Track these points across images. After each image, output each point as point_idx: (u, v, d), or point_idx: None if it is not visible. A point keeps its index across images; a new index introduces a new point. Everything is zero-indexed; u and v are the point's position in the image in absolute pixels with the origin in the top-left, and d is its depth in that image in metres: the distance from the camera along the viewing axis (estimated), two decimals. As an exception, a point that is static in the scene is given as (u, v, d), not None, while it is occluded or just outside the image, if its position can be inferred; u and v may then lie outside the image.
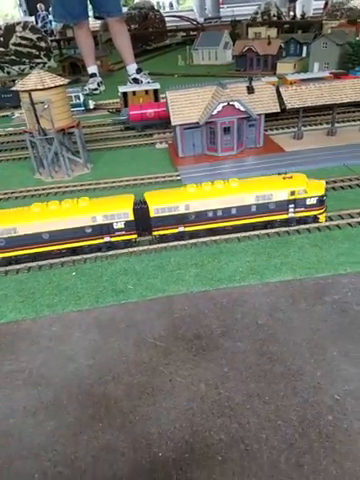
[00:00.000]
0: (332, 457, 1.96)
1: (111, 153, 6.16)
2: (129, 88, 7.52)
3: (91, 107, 8.15)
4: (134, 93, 7.39)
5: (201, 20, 23.00)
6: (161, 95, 7.21)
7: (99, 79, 9.92)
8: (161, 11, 22.12)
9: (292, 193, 3.61)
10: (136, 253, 3.67)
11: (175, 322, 2.87)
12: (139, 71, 9.72)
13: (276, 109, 5.41)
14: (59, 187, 5.08)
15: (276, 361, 2.48)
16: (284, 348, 2.56)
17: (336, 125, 5.85)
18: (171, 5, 34.08)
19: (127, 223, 3.62)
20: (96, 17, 10.23)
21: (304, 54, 11.12)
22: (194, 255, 3.58)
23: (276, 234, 3.71)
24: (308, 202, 3.64)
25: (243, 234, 3.73)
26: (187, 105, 5.37)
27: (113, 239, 3.68)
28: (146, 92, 7.44)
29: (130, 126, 6.83)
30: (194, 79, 9.30)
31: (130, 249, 3.70)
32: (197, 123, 5.31)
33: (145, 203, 3.63)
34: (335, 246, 3.46)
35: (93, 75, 9.88)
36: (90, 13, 9.77)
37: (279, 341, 2.61)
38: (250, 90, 5.41)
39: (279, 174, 3.78)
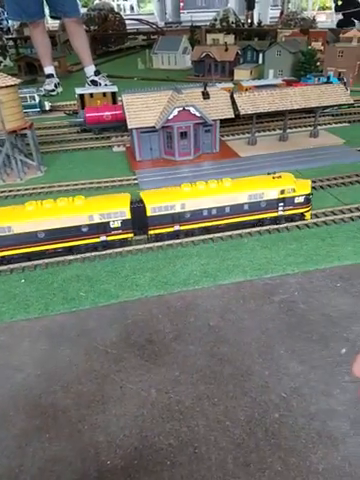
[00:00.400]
0: (277, 454, 2.00)
1: (67, 155, 6.04)
2: (86, 90, 7.41)
3: (47, 108, 7.96)
4: (91, 95, 7.29)
5: (162, 24, 23.13)
6: (119, 98, 7.15)
7: (56, 80, 9.71)
8: (121, 14, 22.01)
9: (282, 192, 3.74)
10: (89, 259, 3.60)
11: (128, 328, 2.84)
12: (98, 73, 9.61)
13: (230, 115, 5.50)
14: (10, 190, 4.91)
15: (226, 362, 2.50)
16: (234, 349, 2.59)
17: (288, 131, 6.03)
18: (132, 8, 34.04)
19: (124, 222, 3.59)
20: (52, 17, 10.02)
21: (260, 61, 11.41)
22: (149, 260, 3.57)
23: (229, 237, 3.77)
24: (296, 200, 3.79)
25: (198, 238, 3.76)
26: (143, 109, 5.36)
27: (109, 238, 3.64)
28: (104, 94, 7.36)
29: (87, 128, 6.73)
30: (153, 83, 9.28)
31: (82, 255, 3.62)
32: (153, 127, 5.31)
33: (141, 202, 3.63)
34: (284, 247, 3.56)
35: (50, 76, 9.66)
36: (47, 12, 9.56)
37: (229, 342, 2.65)
38: (205, 96, 5.48)
39: (268, 174, 3.89)
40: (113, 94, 7.36)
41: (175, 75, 10.97)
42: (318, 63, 8.89)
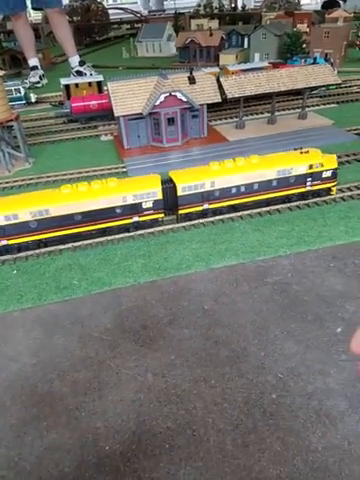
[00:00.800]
0: (276, 434, 1.98)
1: (54, 146, 5.92)
2: (71, 80, 7.25)
3: (33, 100, 7.79)
4: (77, 85, 7.13)
5: (145, 13, 22.72)
6: (104, 87, 7.01)
7: (41, 72, 9.50)
8: (104, 3, 21.58)
9: (310, 167, 3.74)
10: (81, 247, 3.54)
11: (122, 314, 2.80)
12: (82, 63, 9.41)
13: (217, 99, 5.41)
14: (-1, 183, 4.82)
15: (221, 344, 2.48)
16: (229, 331, 2.56)
17: (276, 113, 5.96)
18: (115, -3, 33.29)
19: (156, 202, 3.61)
20: (34, 8, 9.78)
21: (246, 45, 11.26)
22: (141, 246, 3.52)
23: (221, 221, 3.72)
24: (324, 175, 3.80)
25: (189, 223, 3.71)
26: (129, 96, 5.25)
27: (141, 219, 3.66)
28: (89, 84, 7.20)
29: (73, 118, 6.60)
30: (139, 71, 9.12)
31: (74, 244, 3.56)
32: (141, 114, 5.21)
33: (172, 182, 3.62)
34: (275, 229, 3.53)
35: (34, 68, 9.46)
36: (29, 4, 9.31)
37: (224, 325, 2.62)
38: (191, 80, 5.38)
39: (295, 149, 3.88)
40: (99, 83, 7.21)
41: (161, 62, 10.80)
42: (304, 45, 8.79)
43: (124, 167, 5.05)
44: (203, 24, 12.04)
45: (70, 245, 3.55)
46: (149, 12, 23.98)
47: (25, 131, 5.93)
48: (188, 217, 3.73)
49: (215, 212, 3.76)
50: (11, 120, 4.93)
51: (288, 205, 3.83)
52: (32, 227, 3.41)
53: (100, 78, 7.29)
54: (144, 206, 3.59)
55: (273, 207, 3.80)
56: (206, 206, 3.69)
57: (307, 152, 3.76)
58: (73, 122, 6.63)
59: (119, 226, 3.63)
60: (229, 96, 5.23)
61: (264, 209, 3.78)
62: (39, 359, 2.52)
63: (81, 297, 3.00)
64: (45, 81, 9.52)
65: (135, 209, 3.58)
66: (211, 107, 5.91)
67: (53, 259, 3.44)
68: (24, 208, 3.36)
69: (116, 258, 3.38)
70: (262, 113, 6.42)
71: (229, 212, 3.78)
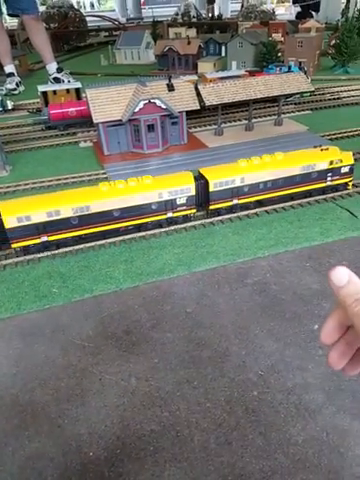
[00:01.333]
0: (258, 430, 2.03)
1: (32, 154, 5.89)
2: (49, 87, 7.24)
3: (10, 107, 7.73)
4: (55, 92, 7.13)
5: (123, 20, 22.85)
6: (83, 94, 7.03)
7: (18, 79, 9.42)
8: (82, 11, 21.62)
9: (330, 163, 3.92)
10: (60, 255, 3.53)
11: (104, 321, 2.81)
12: (60, 70, 9.39)
13: (196, 106, 5.50)
14: (-24, 191, 4.75)
15: (204, 346, 2.52)
16: (211, 332, 2.61)
17: (253, 120, 6.10)
18: (92, 5, 33.41)
19: (189, 198, 3.71)
20: (10, 15, 9.70)
21: (223, 53, 11.45)
22: (123, 252, 3.53)
23: (202, 226, 3.78)
24: (342, 170, 3.98)
25: (171, 228, 3.75)
26: (108, 102, 5.29)
27: (175, 214, 3.75)
28: (67, 91, 7.21)
29: (52, 125, 6.58)
30: (118, 78, 9.14)
31: (54, 252, 3.55)
32: (120, 120, 5.25)
33: (203, 178, 3.73)
34: (254, 232, 3.61)
35: (10, 75, 9.37)
36: (4, 10, 9.24)
37: (206, 326, 2.66)
38: (170, 88, 5.45)
39: (315, 147, 4.07)
40: (77, 90, 7.23)
41: (139, 70, 10.86)
42: (279, 53, 9.02)
43: (104, 173, 5.07)
44: (181, 32, 12.19)
45: (49, 253, 3.54)
46: (127, 20, 24.11)
47: (2, 139, 5.89)
48: (217, 212, 3.89)
49: (242, 207, 3.92)
50: (-12, 128, 4.89)
51: (265, 208, 3.92)
52: (73, 223, 3.50)
53: (78, 85, 7.31)
54: (178, 202, 3.71)
55: (251, 211, 3.89)
56: (235, 201, 3.85)
57: (327, 149, 3.97)
58: (51, 129, 6.61)
59: (154, 222, 3.75)
60: (207, 103, 5.33)
61: (242, 213, 3.87)
62: (19, 369, 2.50)
63: (62, 305, 2.99)
64: (22, 88, 9.44)
65: (170, 205, 3.70)
66: (190, 114, 6.00)
67: (32, 267, 3.42)
68: (66, 205, 3.44)
69: (97, 265, 3.39)
70: (240, 120, 6.55)
71: (255, 207, 3.97)
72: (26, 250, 3.53)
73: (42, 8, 18.17)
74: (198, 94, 5.53)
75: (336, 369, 0.88)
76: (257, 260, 3.26)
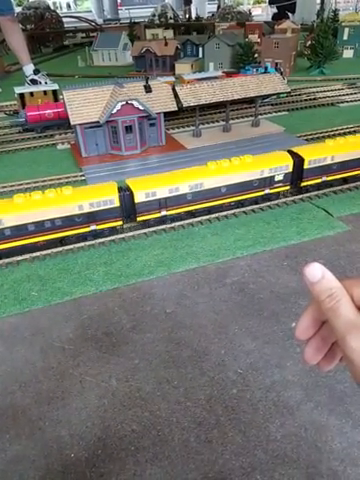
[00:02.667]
0: (237, 428, 2.07)
1: (9, 156, 5.82)
2: (26, 89, 7.16)
3: (-15, 110, 7.60)
4: (32, 94, 7.06)
5: (100, 21, 22.72)
6: (60, 96, 6.98)
7: (-7, 80, 9.27)
8: (58, 12, 21.40)
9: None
10: (39, 258, 3.51)
11: (84, 323, 2.81)
12: (37, 72, 9.28)
13: (174, 107, 5.54)
14: None
15: (184, 345, 2.55)
16: (191, 332, 2.64)
17: (230, 122, 6.17)
18: (68, 6, 33.11)
19: (286, 175, 3.95)
20: None
21: (200, 55, 11.53)
22: (102, 254, 3.53)
23: (181, 227, 3.81)
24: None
25: (149, 229, 3.77)
26: (86, 104, 5.27)
27: (271, 191, 4.01)
28: (44, 93, 7.15)
29: (29, 128, 6.51)
30: (95, 80, 9.11)
31: (32, 254, 3.52)
32: (98, 122, 5.23)
33: (299, 156, 3.98)
34: (232, 233, 3.66)
35: (-14, 76, 9.21)
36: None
37: (186, 326, 2.69)
38: (147, 89, 5.47)
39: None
40: (54, 92, 7.18)
41: (117, 71, 10.83)
42: (256, 54, 9.14)
43: (83, 175, 5.05)
44: (158, 34, 12.23)
45: (28, 256, 3.51)
46: (104, 21, 24.01)
47: (-22, 141, 5.80)
48: (306, 189, 4.18)
49: (328, 184, 4.24)
50: None
51: (243, 209, 3.98)
52: (188, 199, 3.74)
53: (55, 87, 7.25)
54: (276, 179, 3.96)
55: (230, 211, 3.94)
56: (324, 178, 4.16)
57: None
58: (29, 131, 6.54)
59: (252, 198, 4.00)
60: (185, 105, 5.36)
61: (221, 214, 3.91)
62: (-1, 372, 2.49)
63: (41, 308, 2.97)
64: (-1, 90, 9.31)
65: (268, 182, 3.96)
66: (168, 115, 6.02)
67: (11, 271, 3.39)
68: (184, 182, 3.68)
69: (76, 267, 3.38)
70: (217, 121, 6.62)
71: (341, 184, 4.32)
72: (146, 224, 3.80)
73: (18, 9, 17.92)
74: (176, 95, 5.56)
75: (311, 364, 0.90)
76: (236, 260, 3.31)
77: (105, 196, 3.56)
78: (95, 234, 3.67)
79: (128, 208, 3.69)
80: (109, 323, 2.79)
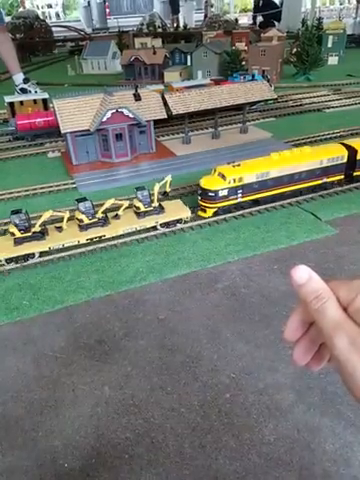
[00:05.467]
0: (231, 432, 2.06)
1: None
2: (16, 98, 7.14)
3: (-25, 119, 7.55)
4: (21, 103, 7.04)
5: (89, 30, 22.79)
6: (50, 104, 6.96)
7: (-18, 90, 9.21)
8: (47, 21, 21.43)
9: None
10: (30, 266, 3.47)
11: (76, 331, 2.78)
12: (27, 81, 9.22)
13: (163, 115, 5.56)
14: None
15: (176, 351, 2.53)
16: (183, 338, 2.63)
17: (219, 128, 6.21)
18: (57, 15, 33.16)
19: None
20: None
21: (189, 63, 11.61)
22: (94, 261, 3.51)
23: (172, 233, 3.81)
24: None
25: (141, 236, 3.76)
26: (76, 113, 5.26)
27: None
28: (34, 102, 7.13)
29: (19, 136, 6.48)
30: (85, 88, 9.10)
31: (24, 263, 3.49)
32: (88, 130, 5.23)
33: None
34: (223, 237, 3.67)
35: (-25, 86, 9.15)
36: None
37: (178, 332, 2.68)
38: (137, 97, 5.48)
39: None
40: (44, 101, 7.16)
41: (107, 80, 10.85)
42: (243, 62, 9.23)
43: (74, 183, 5.03)
44: (147, 42, 12.28)
45: (19, 265, 3.48)
46: (93, 30, 24.09)
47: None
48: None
49: None
50: None
51: (233, 214, 3.99)
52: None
53: (45, 95, 7.24)
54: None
55: (220, 217, 3.95)
56: None
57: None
58: (19, 140, 6.51)
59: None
60: (174, 112, 5.39)
61: (212, 219, 3.92)
62: (-9, 383, 2.45)
63: (33, 317, 2.94)
64: (-12, 99, 9.24)
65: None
66: (158, 123, 6.04)
67: (1, 279, 3.35)
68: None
69: (68, 275, 3.35)
70: (206, 128, 6.66)
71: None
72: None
73: (8, 19, 17.86)
74: (165, 103, 5.58)
75: (301, 365, 0.91)
76: (227, 265, 3.32)
77: (338, 154, 4.16)
78: (325, 187, 4.25)
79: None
80: (102, 331, 2.76)
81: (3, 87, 10.72)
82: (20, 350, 2.66)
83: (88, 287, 3.19)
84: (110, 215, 3.82)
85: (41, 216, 3.60)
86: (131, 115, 5.21)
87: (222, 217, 3.96)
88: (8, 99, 6.97)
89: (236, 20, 17.87)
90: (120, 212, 3.81)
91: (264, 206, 4.08)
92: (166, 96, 5.57)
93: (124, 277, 3.27)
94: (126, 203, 3.81)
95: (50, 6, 33.10)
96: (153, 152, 5.81)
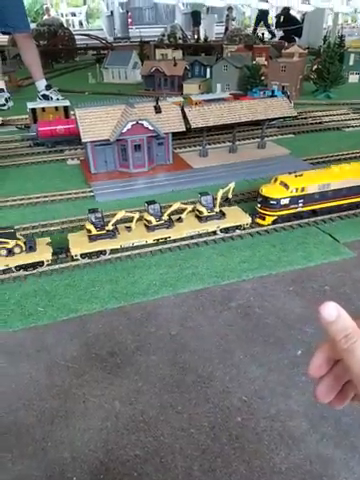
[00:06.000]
0: (242, 457, 2.03)
1: (19, 170, 5.85)
2: (38, 104, 7.25)
3: (-2, 123, 7.69)
4: (43, 109, 7.14)
5: (111, 39, 23.12)
6: (71, 112, 7.06)
7: (7, 95, 9.40)
8: (71, 29, 21.80)
9: None
10: (46, 273, 3.50)
11: (89, 341, 2.78)
12: (49, 87, 9.41)
13: (182, 128, 5.59)
14: None
15: (188, 370, 2.52)
16: (195, 356, 2.61)
17: (237, 143, 6.22)
18: (81, 23, 33.71)
19: None
20: (3, 32, 9.73)
21: (208, 75, 11.68)
22: (108, 271, 3.52)
23: (187, 246, 3.81)
24: None
25: (155, 248, 3.77)
26: (97, 122, 5.32)
27: None
28: (56, 109, 7.23)
29: (40, 142, 6.57)
30: (105, 97, 9.24)
31: (40, 269, 3.52)
32: (108, 140, 5.28)
33: None
34: (238, 255, 3.65)
35: (0, 90, 9.35)
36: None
37: (190, 350, 2.66)
38: (157, 110, 5.53)
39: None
40: (65, 108, 7.25)
41: (126, 89, 10.97)
42: (263, 77, 9.25)
43: (91, 191, 5.07)
44: (167, 54, 12.41)
45: (35, 271, 3.51)
46: (114, 39, 24.43)
47: (-10, 154, 5.85)
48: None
49: None
50: (-24, 144, 4.87)
51: (248, 231, 3.98)
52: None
53: (67, 103, 7.34)
54: None
55: (235, 233, 3.94)
56: None
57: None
58: (39, 146, 6.59)
59: None
60: (193, 126, 5.42)
61: (227, 235, 3.91)
62: (4, 388, 2.46)
63: (47, 324, 2.95)
64: (11, 104, 9.42)
65: None
66: (176, 135, 6.07)
67: (19, 285, 3.38)
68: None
69: (83, 283, 3.37)
70: (224, 142, 6.67)
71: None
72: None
73: (33, 25, 18.24)
74: (184, 116, 5.62)
75: (323, 402, 0.89)
76: (241, 283, 3.30)
77: None
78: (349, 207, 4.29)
79: None
80: (114, 342, 2.76)
81: (25, 93, 10.92)
82: (33, 357, 2.67)
83: (102, 297, 3.19)
84: (174, 218, 3.96)
85: (115, 215, 3.80)
86: (151, 127, 5.25)
87: (237, 233, 3.94)
88: (30, 105, 7.07)
89: (263, 34, 17.87)
90: (183, 216, 3.96)
91: (281, 224, 4.06)
92: (186, 110, 5.61)
93: (137, 289, 3.27)
94: (190, 207, 3.98)
95: (74, 14, 33.66)
96: (170, 163, 5.84)
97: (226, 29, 21.45)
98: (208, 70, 11.73)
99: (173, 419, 2.22)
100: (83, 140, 5.28)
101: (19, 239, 3.56)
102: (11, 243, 3.48)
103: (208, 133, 6.31)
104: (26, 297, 3.22)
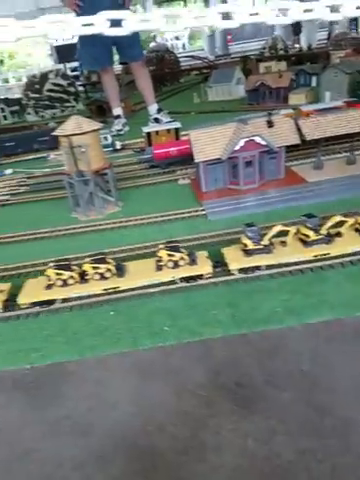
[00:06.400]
0: None
1: (138, 191, 6.13)
2: (152, 128, 7.55)
3: (118, 147, 8.21)
4: (157, 132, 7.40)
5: (212, 58, 23.40)
6: (182, 133, 7.19)
7: (124, 120, 10.04)
8: (175, 52, 22.63)
9: None
10: (168, 291, 3.50)
11: (214, 368, 2.68)
12: (159, 111, 9.80)
13: (297, 141, 5.29)
14: (94, 225, 5.03)
15: (324, 412, 2.25)
16: (331, 397, 2.33)
17: (355, 153, 5.66)
18: (184, 46, 34.89)
19: None
20: (121, 63, 10.43)
21: (313, 84, 11.02)
22: (225, 294, 3.39)
23: (310, 270, 3.49)
24: None
25: (275, 271, 3.54)
26: (209, 142, 5.30)
27: None
28: (168, 131, 7.44)
29: (155, 164, 6.82)
30: (210, 116, 9.29)
31: (162, 288, 3.53)
32: (219, 159, 5.22)
33: None
34: (372, 281, 3.23)
35: (118, 117, 10.01)
36: (116, 58, 9.98)
37: (325, 389, 2.39)
38: (270, 124, 5.31)
39: None
40: (176, 130, 7.41)
41: (230, 105, 10.89)
42: (377, 82, 8.39)
43: (203, 210, 5.05)
44: (271, 66, 12.04)
45: (159, 289, 3.53)
46: (215, 57, 24.67)
47: (115, 176, 6.21)
48: None
49: None
50: (106, 168, 5.23)
51: (383, 254, 3.51)
52: None
53: (178, 125, 7.49)
54: None
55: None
56: None
57: None
58: (154, 168, 6.84)
59: None
60: (308, 138, 5.09)
61: (355, 257, 3.50)
62: (137, 408, 2.47)
63: (172, 345, 2.93)
64: (127, 128, 10.01)
65: None
66: (287, 147, 5.76)
67: (144, 302, 3.42)
68: None
69: (202, 305, 3.29)
70: (339, 152, 6.13)
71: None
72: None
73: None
74: (297, 128, 5.31)
75: None
76: (378, 314, 2.90)
77: None
78: None
79: None
80: (240, 373, 2.62)
81: (138, 117, 11.54)
82: (162, 379, 2.66)
83: (223, 321, 3.08)
84: (333, 232, 3.64)
85: (271, 229, 3.59)
86: (263, 142, 5.05)
87: (365, 256, 3.50)
88: (146, 129, 7.38)
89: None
90: (342, 230, 3.62)
91: None
92: (300, 121, 5.30)
93: (259, 315, 3.07)
94: (352, 220, 3.62)
95: (177, 38, 35.02)
96: (281, 178, 5.55)
97: (329, 35, 20.15)
98: (314, 78, 11.08)
99: (314, 468, 1.98)
100: (196, 160, 5.30)
101: (183, 252, 3.58)
102: (177, 256, 3.55)
103: (323, 143, 5.86)
104: (152, 315, 3.24)
